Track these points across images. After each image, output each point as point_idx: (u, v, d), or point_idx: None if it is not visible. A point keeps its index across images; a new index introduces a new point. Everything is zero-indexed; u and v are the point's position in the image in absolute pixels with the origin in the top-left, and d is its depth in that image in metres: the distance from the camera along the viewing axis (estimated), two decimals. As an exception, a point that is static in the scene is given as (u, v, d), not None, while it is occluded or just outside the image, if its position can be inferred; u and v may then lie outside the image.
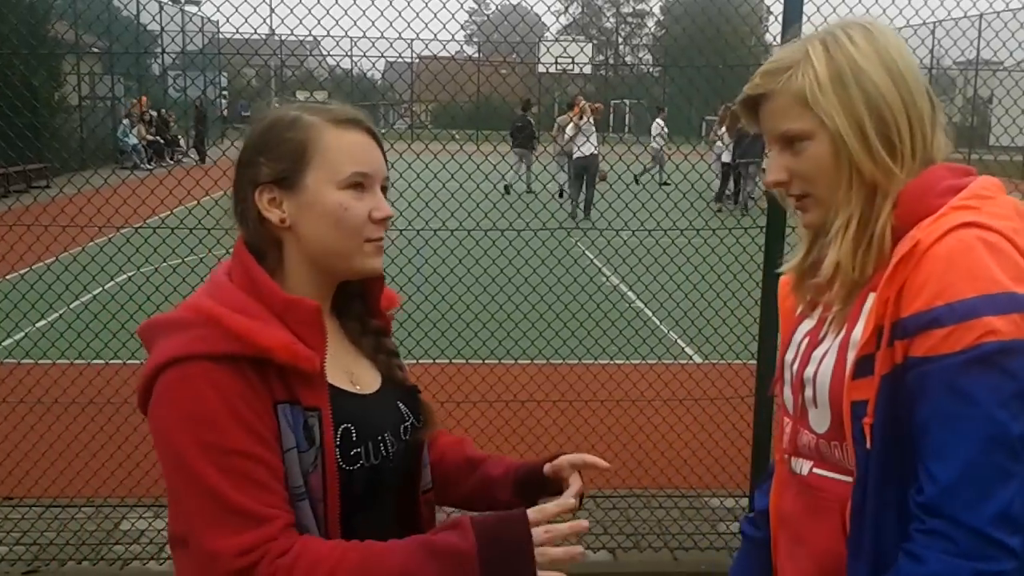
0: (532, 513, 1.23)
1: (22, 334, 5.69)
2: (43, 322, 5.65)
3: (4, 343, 6.21)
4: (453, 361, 4.66)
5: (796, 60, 1.32)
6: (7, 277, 4.56)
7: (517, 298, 4.81)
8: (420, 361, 4.57)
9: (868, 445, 1.24)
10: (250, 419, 1.21)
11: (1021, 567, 1.19)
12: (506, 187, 15.44)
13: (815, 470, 1.40)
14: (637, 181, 13.39)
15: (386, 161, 1.41)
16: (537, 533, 1.21)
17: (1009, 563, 1.16)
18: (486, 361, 4.94)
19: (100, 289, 4.62)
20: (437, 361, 4.53)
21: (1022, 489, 1.17)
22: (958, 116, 26.60)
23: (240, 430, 1.20)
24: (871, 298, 1.27)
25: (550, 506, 1.27)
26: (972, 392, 1.16)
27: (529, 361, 4.90)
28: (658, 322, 6.90)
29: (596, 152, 14.66)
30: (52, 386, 4.10)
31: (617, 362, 5.20)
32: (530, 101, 18.75)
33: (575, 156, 15.12)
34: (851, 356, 1.27)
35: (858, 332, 1.28)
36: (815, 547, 1.38)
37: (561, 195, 15.88)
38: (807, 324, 1.44)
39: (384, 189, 1.40)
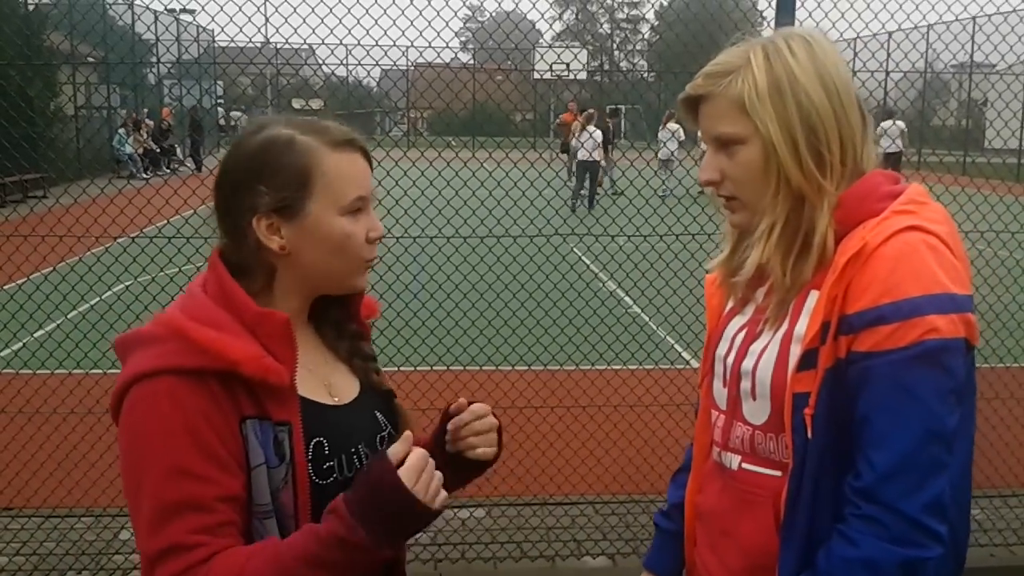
0: (391, 456, 1.21)
1: (20, 344, 5.69)
2: (41, 332, 5.65)
3: (2, 353, 6.21)
4: (451, 368, 4.67)
5: (738, 65, 1.36)
6: (4, 287, 4.56)
7: (514, 304, 4.82)
8: (418, 368, 4.58)
9: (809, 435, 1.28)
10: (208, 438, 1.20)
11: (946, 553, 1.25)
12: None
13: (744, 465, 1.43)
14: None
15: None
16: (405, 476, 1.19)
17: (938, 549, 1.22)
18: (483, 368, 4.96)
19: (97, 299, 4.62)
20: (435, 368, 4.54)
21: (952, 480, 1.24)
22: (952, 119, 26.68)
23: (195, 450, 1.19)
24: (813, 295, 1.32)
25: (397, 446, 1.23)
26: (914, 386, 1.22)
27: (527, 367, 4.91)
28: (655, 327, 6.92)
29: (596, 159, 16.12)
30: (51, 396, 4.10)
31: (615, 367, 5.21)
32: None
33: (579, 158, 16.45)
34: (796, 350, 1.31)
35: (802, 327, 1.32)
36: (744, 540, 1.42)
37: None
38: (739, 319, 1.48)
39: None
